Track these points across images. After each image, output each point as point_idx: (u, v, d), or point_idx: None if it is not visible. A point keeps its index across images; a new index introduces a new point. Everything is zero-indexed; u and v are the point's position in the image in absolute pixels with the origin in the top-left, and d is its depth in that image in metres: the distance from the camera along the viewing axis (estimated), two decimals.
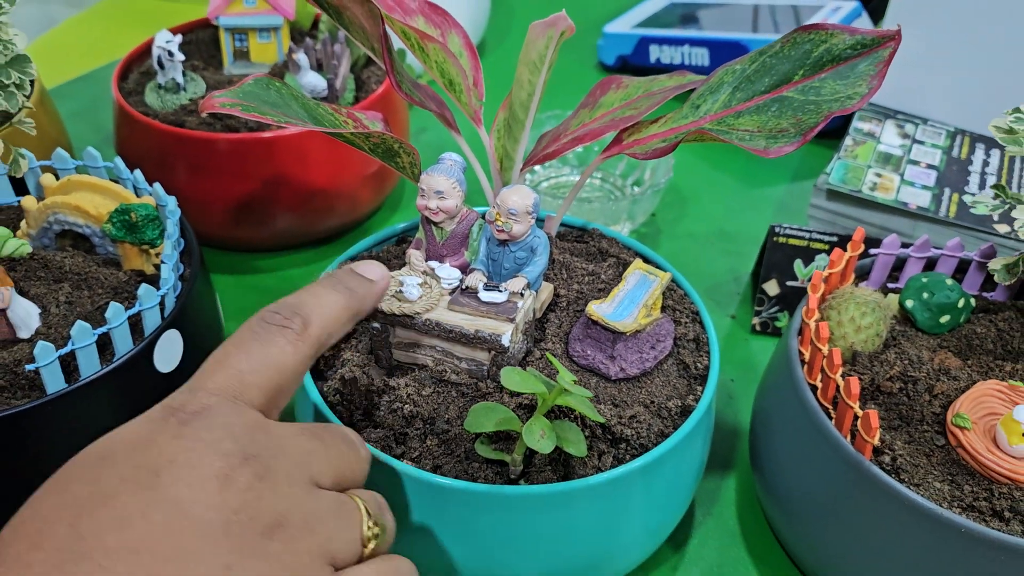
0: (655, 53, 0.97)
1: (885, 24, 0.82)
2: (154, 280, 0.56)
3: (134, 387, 0.51)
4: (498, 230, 0.48)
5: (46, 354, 0.46)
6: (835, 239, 0.68)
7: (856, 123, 0.81)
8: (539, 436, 0.41)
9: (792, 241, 0.68)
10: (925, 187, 0.73)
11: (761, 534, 0.56)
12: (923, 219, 0.71)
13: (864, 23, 0.94)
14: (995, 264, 0.53)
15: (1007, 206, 0.50)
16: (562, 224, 0.61)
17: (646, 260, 0.58)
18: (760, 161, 0.89)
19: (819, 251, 0.68)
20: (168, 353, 0.52)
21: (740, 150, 0.90)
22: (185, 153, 0.69)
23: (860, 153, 0.77)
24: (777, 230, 0.69)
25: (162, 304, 0.53)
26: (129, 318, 0.50)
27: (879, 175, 0.74)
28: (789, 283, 0.69)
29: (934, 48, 0.81)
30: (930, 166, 0.76)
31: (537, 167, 0.82)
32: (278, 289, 0.72)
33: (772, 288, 0.69)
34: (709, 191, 0.85)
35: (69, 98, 0.95)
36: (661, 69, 0.98)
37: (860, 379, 0.50)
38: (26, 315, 0.52)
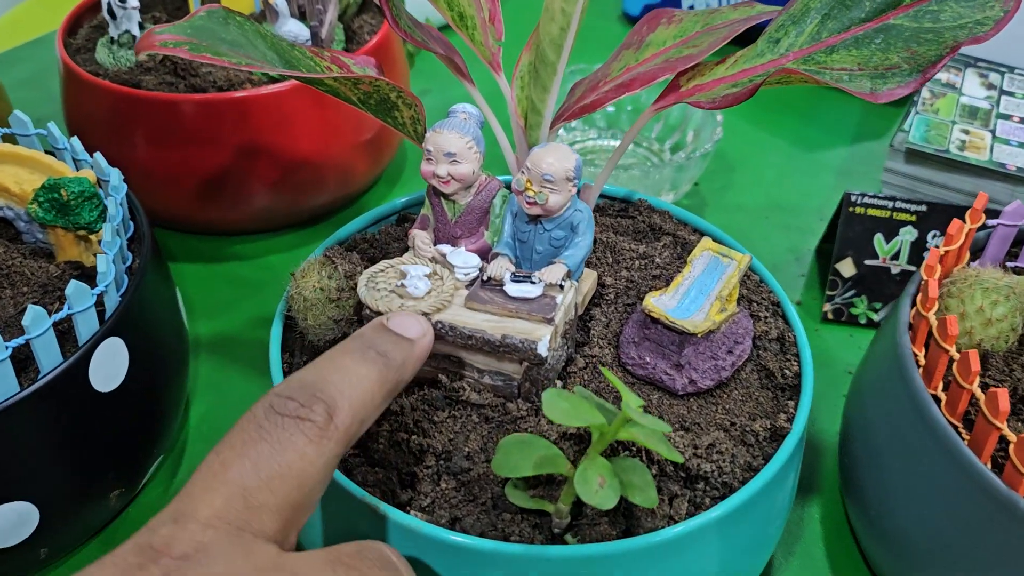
0: (688, 0, 0.85)
1: None
2: (92, 275, 0.44)
3: (64, 413, 0.40)
4: (529, 202, 0.37)
5: None
6: (924, 209, 0.57)
7: None
8: (598, 486, 0.30)
9: (872, 212, 0.57)
10: (1022, 144, 0.62)
11: (852, 560, 0.45)
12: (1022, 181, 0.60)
13: None
14: None
15: None
16: (601, 195, 0.50)
17: (713, 239, 0.47)
18: (815, 120, 0.78)
19: (904, 223, 0.57)
20: (109, 368, 0.41)
21: (792, 106, 0.79)
22: (142, 118, 0.58)
23: (941, 107, 0.65)
24: (854, 199, 0.57)
25: (101, 305, 0.42)
26: (58, 324, 0.39)
27: (967, 132, 0.63)
28: (868, 262, 0.58)
29: None
30: None
31: (559, 129, 0.70)
32: (257, 280, 0.61)
33: (847, 268, 0.58)
34: (758, 155, 0.73)
35: (18, 64, 0.83)
36: None
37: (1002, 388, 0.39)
38: None
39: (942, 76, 0.69)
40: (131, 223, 0.47)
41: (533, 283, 0.37)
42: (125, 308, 0.42)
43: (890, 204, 0.57)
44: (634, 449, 0.35)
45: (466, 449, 0.35)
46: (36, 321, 0.38)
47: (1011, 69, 0.70)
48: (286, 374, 0.40)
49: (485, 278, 0.37)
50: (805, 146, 0.75)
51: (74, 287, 0.39)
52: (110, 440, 0.42)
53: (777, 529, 0.39)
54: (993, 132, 0.63)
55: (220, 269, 0.62)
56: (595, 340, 0.40)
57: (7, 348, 0.37)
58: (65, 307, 0.39)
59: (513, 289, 0.37)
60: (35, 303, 0.43)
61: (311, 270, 0.40)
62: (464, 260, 0.38)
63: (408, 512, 0.34)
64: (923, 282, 0.41)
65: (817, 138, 0.76)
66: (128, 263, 0.45)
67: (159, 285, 0.47)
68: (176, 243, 0.64)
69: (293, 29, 0.59)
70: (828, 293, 0.58)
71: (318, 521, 0.36)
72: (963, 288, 0.41)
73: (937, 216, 0.57)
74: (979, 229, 0.46)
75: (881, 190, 0.64)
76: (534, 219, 0.38)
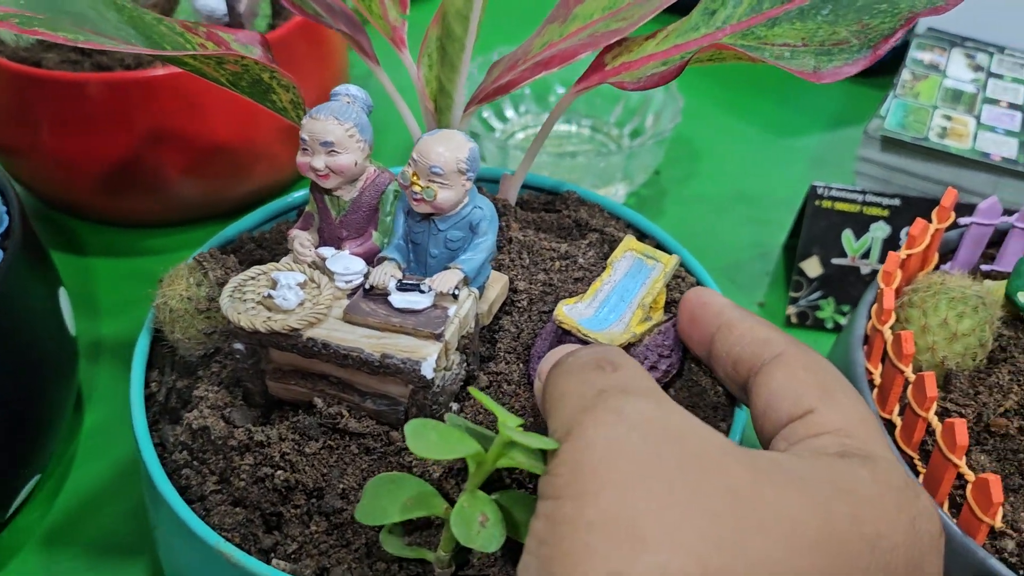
0: None
1: None
2: None
3: None
4: (416, 198, 0.32)
5: None
6: (897, 203, 0.52)
7: (914, 52, 0.64)
8: (479, 525, 0.25)
9: (840, 206, 0.52)
10: (1009, 132, 0.57)
11: None
12: (1009, 174, 0.55)
13: None
14: None
15: None
16: (525, 186, 0.44)
17: (642, 236, 0.42)
18: (789, 103, 0.72)
19: (876, 218, 0.52)
20: None
21: (765, 87, 0.73)
22: (44, 100, 0.53)
23: (922, 90, 0.60)
24: (820, 191, 0.52)
25: None
26: None
27: (949, 118, 0.57)
28: (835, 261, 0.53)
29: None
30: (1013, 106, 0.59)
31: (510, 113, 0.65)
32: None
33: (813, 268, 0.53)
34: (725, 142, 0.68)
35: None
36: None
37: (963, 416, 0.34)
38: None
39: (925, 57, 0.64)
40: (6, 217, 0.43)
41: (422, 292, 0.32)
42: None
43: (860, 197, 0.52)
44: (527, 481, 0.30)
45: (341, 486, 0.31)
46: None
47: (1001, 49, 0.65)
48: (149, 395, 0.35)
49: (368, 287, 0.32)
50: (778, 132, 0.70)
51: None
52: None
53: None
54: (978, 118, 0.58)
55: (132, 264, 0.57)
56: (502, 354, 0.35)
57: None
58: None
59: (398, 299, 0.32)
60: None
61: (179, 277, 0.35)
62: (345, 266, 0.33)
63: (270, 561, 0.29)
64: (880, 291, 0.36)
65: (792, 123, 0.71)
66: None
67: (32, 284, 0.42)
68: (88, 234, 0.59)
69: (210, 2, 0.54)
70: (792, 295, 0.53)
71: (169, 555, 0.32)
72: (926, 297, 0.36)
73: (912, 211, 0.52)
74: (950, 228, 0.41)
75: (855, 182, 0.59)
76: (426, 217, 0.33)
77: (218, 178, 0.57)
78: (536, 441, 0.25)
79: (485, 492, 0.27)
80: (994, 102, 0.60)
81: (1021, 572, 0.30)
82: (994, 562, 0.30)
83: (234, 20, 0.55)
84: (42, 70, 0.53)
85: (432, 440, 0.26)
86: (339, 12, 0.40)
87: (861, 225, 0.52)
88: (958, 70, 0.63)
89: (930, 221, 0.39)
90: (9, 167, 0.56)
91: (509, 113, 0.65)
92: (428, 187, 0.31)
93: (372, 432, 0.32)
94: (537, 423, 0.32)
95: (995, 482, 0.29)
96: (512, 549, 0.28)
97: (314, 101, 0.34)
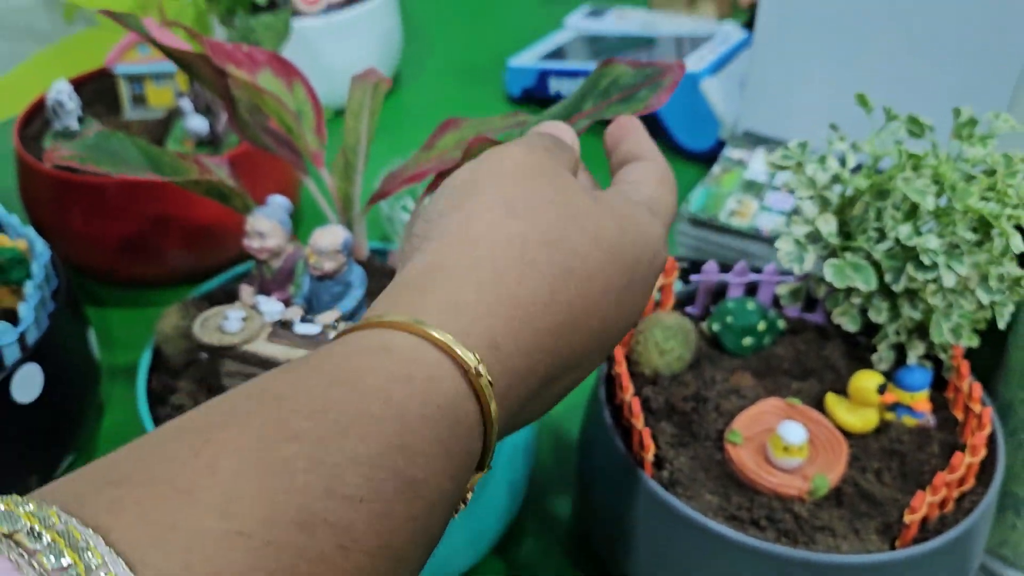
0: (555, 85, 1.01)
1: (755, 48, 0.86)
2: (16, 321, 0.60)
3: None
4: (312, 268, 0.52)
5: None
6: (686, 264, 0.72)
7: (727, 151, 0.85)
8: None
9: None
10: (782, 212, 0.77)
11: (583, 545, 0.60)
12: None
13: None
14: (781, 289, 0.56)
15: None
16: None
17: None
18: None
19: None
20: (27, 385, 0.57)
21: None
22: (76, 196, 0.74)
23: (725, 181, 0.81)
24: None
25: (24, 341, 0.57)
26: None
27: (739, 202, 0.78)
28: None
29: (801, 77, 0.85)
30: (790, 191, 0.80)
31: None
32: None
33: None
34: None
35: None
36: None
37: (656, 399, 0.54)
38: None
39: (735, 154, 0.85)
40: (56, 279, 0.63)
41: (314, 324, 0.52)
42: (41, 340, 0.58)
43: None
44: None
45: None
46: None
47: None
48: (153, 389, 0.55)
49: (283, 320, 0.53)
50: None
51: (1, 327, 0.55)
52: (29, 438, 0.58)
53: (491, 504, 0.54)
54: (761, 202, 0.79)
55: (140, 313, 0.78)
56: None
57: None
58: None
59: (300, 328, 0.52)
60: None
61: (171, 314, 0.56)
62: (271, 307, 0.53)
63: None
64: None
65: None
66: (50, 309, 0.61)
67: (72, 324, 0.62)
68: (104, 293, 0.79)
69: (195, 123, 0.75)
70: None
71: None
72: (648, 327, 0.56)
73: (694, 270, 0.72)
74: (686, 282, 0.62)
75: (676, 249, 0.80)
76: (320, 279, 0.53)
77: (202, 250, 0.77)
78: None
79: None
80: (777, 189, 0.80)
81: (669, 489, 0.50)
82: (652, 484, 0.49)
83: (215, 138, 0.76)
84: (75, 175, 0.74)
85: None
86: (282, 140, 0.61)
87: None
88: (758, 164, 0.84)
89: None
90: (51, 243, 0.77)
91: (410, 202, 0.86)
92: (319, 260, 0.52)
93: None
94: None
95: (646, 433, 0.49)
96: None
97: (269, 193, 0.55)
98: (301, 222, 0.88)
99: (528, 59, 1.05)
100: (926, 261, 0.48)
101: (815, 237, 0.52)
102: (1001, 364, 0.58)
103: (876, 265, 0.51)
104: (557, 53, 1.05)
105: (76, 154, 0.53)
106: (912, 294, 0.51)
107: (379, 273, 0.60)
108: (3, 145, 1.00)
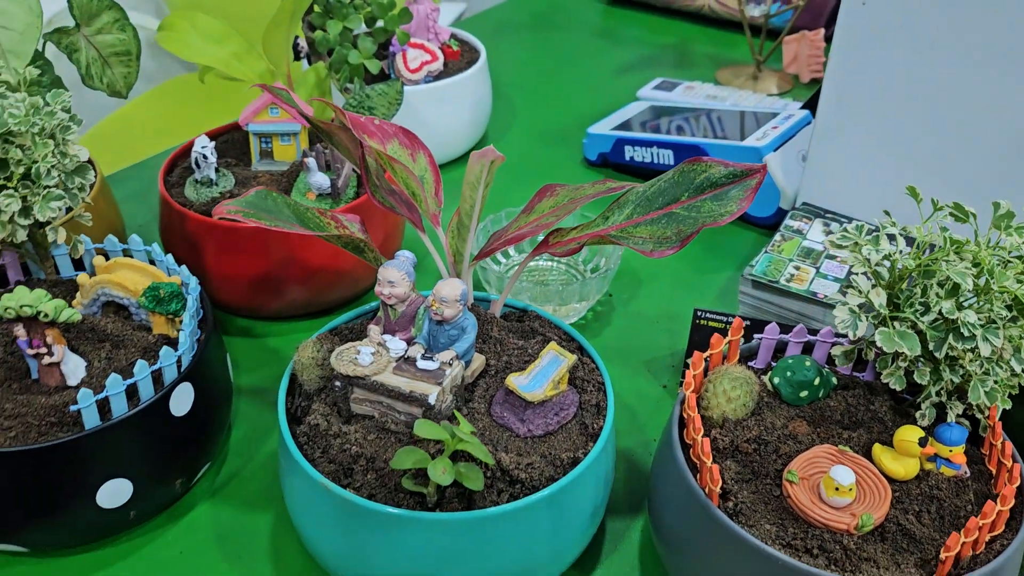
0: (629, 152, 1.11)
1: (816, 130, 0.95)
2: (175, 343, 0.70)
3: (153, 426, 0.65)
4: (434, 313, 0.62)
5: (86, 398, 0.61)
6: (748, 323, 0.80)
7: (788, 221, 0.93)
8: (441, 472, 0.54)
9: (712, 323, 0.81)
10: (836, 279, 0.85)
11: (655, 566, 0.68)
12: (831, 307, 0.83)
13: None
14: (836, 351, 0.64)
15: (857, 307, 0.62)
16: (507, 306, 0.74)
17: (569, 339, 0.71)
18: (713, 251, 1.02)
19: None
20: (181, 400, 0.67)
21: (696, 242, 1.03)
22: (214, 238, 0.84)
23: (786, 248, 0.89)
24: (699, 314, 0.81)
25: (179, 362, 0.67)
26: (152, 372, 0.65)
27: (797, 268, 0.86)
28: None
29: (857, 158, 0.94)
30: (844, 261, 0.88)
31: (512, 252, 0.95)
32: (285, 351, 0.87)
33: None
34: (663, 276, 0.98)
35: (128, 181, 1.12)
36: (634, 166, 1.12)
37: (723, 440, 0.62)
38: (75, 367, 0.67)
39: (795, 224, 0.93)
40: (201, 310, 0.74)
41: (434, 361, 0.61)
42: (193, 365, 0.68)
43: (725, 319, 0.81)
44: (479, 463, 0.59)
45: (384, 456, 0.60)
46: (141, 370, 0.64)
47: (850, 220, 0.94)
48: (288, 409, 0.65)
49: (407, 356, 0.62)
50: (702, 271, 0.99)
51: (164, 351, 0.65)
52: (179, 445, 0.68)
53: (581, 522, 0.62)
54: (818, 268, 0.87)
55: (262, 342, 0.88)
56: (477, 399, 0.64)
57: (124, 384, 0.63)
58: (158, 362, 0.65)
59: (421, 363, 0.61)
60: (140, 359, 0.69)
61: (308, 346, 0.65)
62: (396, 345, 0.63)
63: (347, 490, 0.58)
64: (686, 372, 0.65)
65: (713, 265, 1.00)
66: (197, 336, 0.71)
67: (216, 350, 0.72)
68: (233, 323, 0.90)
69: (318, 179, 0.86)
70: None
71: (293, 487, 0.61)
72: (716, 377, 0.65)
73: (754, 328, 0.80)
74: (747, 341, 0.70)
75: (739, 309, 0.88)
76: (439, 323, 0.63)
77: (319, 289, 0.87)
78: (472, 439, 0.54)
79: (451, 460, 0.56)
80: (833, 258, 0.88)
81: (732, 518, 0.57)
82: (718, 512, 0.57)
83: (335, 192, 0.87)
84: (212, 219, 0.84)
85: (426, 429, 0.55)
86: (405, 201, 0.71)
87: (726, 336, 0.81)
88: (816, 234, 0.92)
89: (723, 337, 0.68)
90: None
91: (512, 252, 0.95)
92: (440, 307, 0.61)
93: (403, 432, 0.61)
94: (484, 436, 0.61)
95: (715, 468, 0.57)
96: (462, 494, 0.57)
97: (383, 242, 0.64)
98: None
99: (604, 127, 1.15)
100: (965, 332, 0.56)
101: (868, 308, 0.60)
102: None
103: (921, 334, 0.59)
104: (631, 123, 1.15)
105: (240, 210, 0.63)
106: (952, 360, 0.59)
107: (482, 319, 0.69)
108: (140, 181, 1.12)
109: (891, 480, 0.59)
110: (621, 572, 0.68)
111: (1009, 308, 0.58)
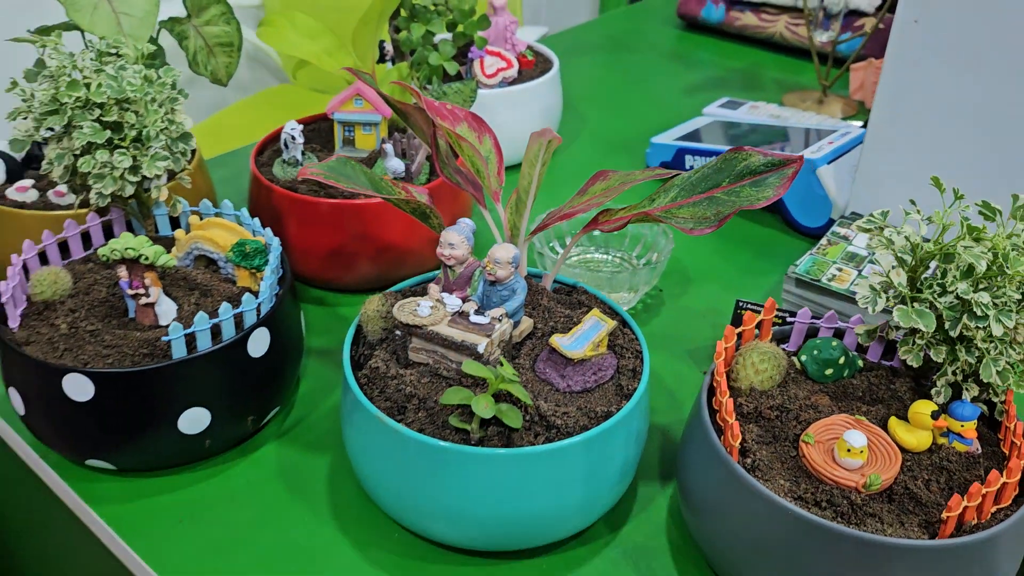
0: (689, 161, 1.16)
1: (867, 142, 0.99)
2: (257, 295, 0.78)
3: (233, 363, 0.73)
4: (488, 273, 0.68)
5: (176, 331, 0.69)
6: (785, 315, 0.85)
7: (835, 227, 0.98)
8: (484, 406, 0.60)
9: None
10: None
11: (679, 528, 0.72)
12: None
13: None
14: (859, 329, 0.69)
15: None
16: (558, 282, 0.80)
17: (613, 313, 0.77)
18: (764, 256, 1.06)
19: (774, 324, 0.85)
20: (258, 343, 0.74)
21: (746, 244, 1.08)
22: (296, 211, 0.92)
23: (831, 252, 0.93)
24: (740, 304, 0.86)
25: (259, 310, 0.75)
26: (234, 316, 0.73)
27: (840, 269, 0.90)
28: None
29: (904, 169, 0.98)
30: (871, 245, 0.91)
31: (573, 248, 1.01)
32: (353, 319, 0.94)
33: None
34: (713, 274, 1.02)
35: (223, 167, 1.21)
36: None
37: (747, 406, 0.67)
38: (168, 309, 0.75)
39: (841, 230, 0.97)
40: (281, 269, 0.81)
41: (485, 316, 0.68)
42: (271, 313, 0.75)
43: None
44: (520, 405, 0.65)
45: (435, 397, 0.66)
46: (225, 312, 0.71)
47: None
48: (352, 357, 0.72)
49: (461, 311, 0.68)
50: (749, 271, 1.03)
51: (247, 298, 0.73)
52: (254, 384, 0.75)
53: (611, 474, 0.67)
54: (860, 271, 0.90)
55: (334, 310, 0.96)
56: (523, 355, 0.70)
57: (209, 323, 0.71)
58: (240, 307, 0.73)
59: (474, 318, 0.68)
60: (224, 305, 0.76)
61: (374, 300, 0.72)
62: (452, 301, 0.69)
63: (401, 424, 0.65)
64: (721, 345, 0.70)
65: (760, 266, 1.04)
66: (276, 291, 0.79)
67: (290, 305, 0.80)
68: (309, 293, 0.98)
69: (394, 164, 0.93)
70: None
71: (351, 423, 0.68)
72: (747, 351, 0.70)
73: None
74: (782, 324, 0.74)
75: (782, 303, 0.92)
76: (492, 283, 0.69)
77: (388, 265, 0.95)
78: (514, 378, 0.60)
79: (493, 398, 0.62)
80: (875, 262, 0.92)
81: (749, 473, 0.62)
82: (737, 467, 0.62)
83: (408, 176, 0.94)
84: (296, 194, 0.93)
85: (472, 367, 0.62)
86: (470, 180, 0.78)
87: None
88: (861, 240, 0.96)
89: (756, 315, 0.72)
90: None
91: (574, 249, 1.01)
92: (493, 268, 0.68)
93: (453, 377, 0.67)
94: (526, 387, 0.67)
95: (736, 426, 0.62)
96: (502, 434, 0.63)
97: (450, 219, 0.71)
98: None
99: (668, 138, 1.21)
100: (979, 312, 0.60)
101: (887, 286, 0.64)
102: None
103: (939, 316, 0.63)
104: (694, 135, 1.20)
105: (322, 172, 0.71)
106: (967, 340, 0.63)
107: (533, 290, 0.75)
108: (232, 167, 1.21)
109: (904, 450, 0.63)
110: (648, 531, 0.72)
111: (1022, 293, 0.61)
